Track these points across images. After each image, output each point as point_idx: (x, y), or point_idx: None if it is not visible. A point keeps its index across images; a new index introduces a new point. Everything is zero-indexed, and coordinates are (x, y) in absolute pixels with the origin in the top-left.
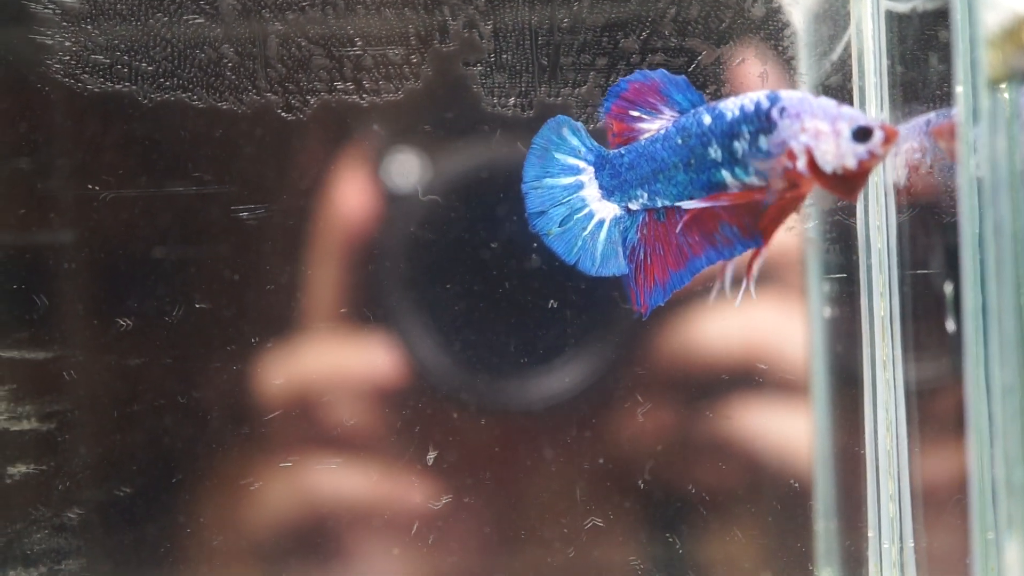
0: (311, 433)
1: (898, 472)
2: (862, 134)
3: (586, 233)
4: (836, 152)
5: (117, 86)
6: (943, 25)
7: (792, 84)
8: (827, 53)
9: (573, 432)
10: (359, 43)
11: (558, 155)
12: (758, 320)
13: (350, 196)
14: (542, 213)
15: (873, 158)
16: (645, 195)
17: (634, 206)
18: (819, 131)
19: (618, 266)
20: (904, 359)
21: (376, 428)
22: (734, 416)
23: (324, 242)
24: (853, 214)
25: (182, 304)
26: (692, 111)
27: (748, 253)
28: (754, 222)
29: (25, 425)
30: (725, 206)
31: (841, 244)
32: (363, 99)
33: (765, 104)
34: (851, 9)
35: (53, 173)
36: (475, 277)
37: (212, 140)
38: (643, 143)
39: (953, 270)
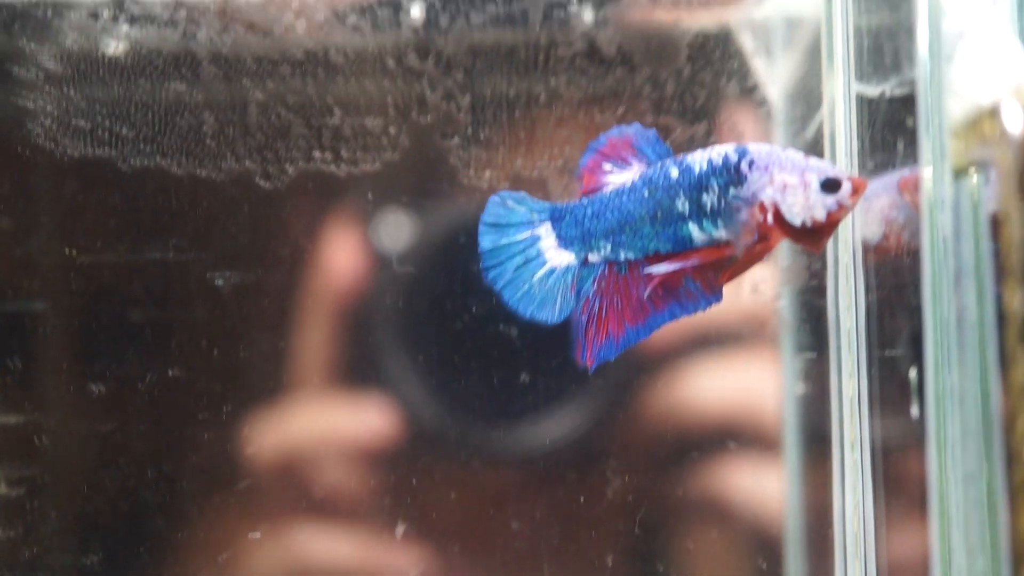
0: (296, 497)
1: (864, 555)
2: (830, 185)
3: (535, 278)
4: (805, 204)
5: (97, 151)
6: (910, 111)
7: None
8: (800, 132)
9: (551, 491)
10: (338, 113)
11: (508, 224)
12: (735, 385)
13: (338, 259)
14: (497, 266)
15: (841, 209)
16: (608, 246)
17: (594, 257)
18: (787, 184)
19: (552, 314)
20: (871, 441)
21: (364, 490)
22: (708, 481)
23: (312, 305)
24: (824, 295)
25: (156, 371)
26: (659, 163)
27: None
28: (716, 277)
29: None
30: (693, 259)
31: (812, 323)
32: (340, 169)
33: (734, 157)
34: (824, 90)
35: (31, 236)
36: (458, 340)
37: (190, 207)
38: (608, 194)
39: (919, 354)
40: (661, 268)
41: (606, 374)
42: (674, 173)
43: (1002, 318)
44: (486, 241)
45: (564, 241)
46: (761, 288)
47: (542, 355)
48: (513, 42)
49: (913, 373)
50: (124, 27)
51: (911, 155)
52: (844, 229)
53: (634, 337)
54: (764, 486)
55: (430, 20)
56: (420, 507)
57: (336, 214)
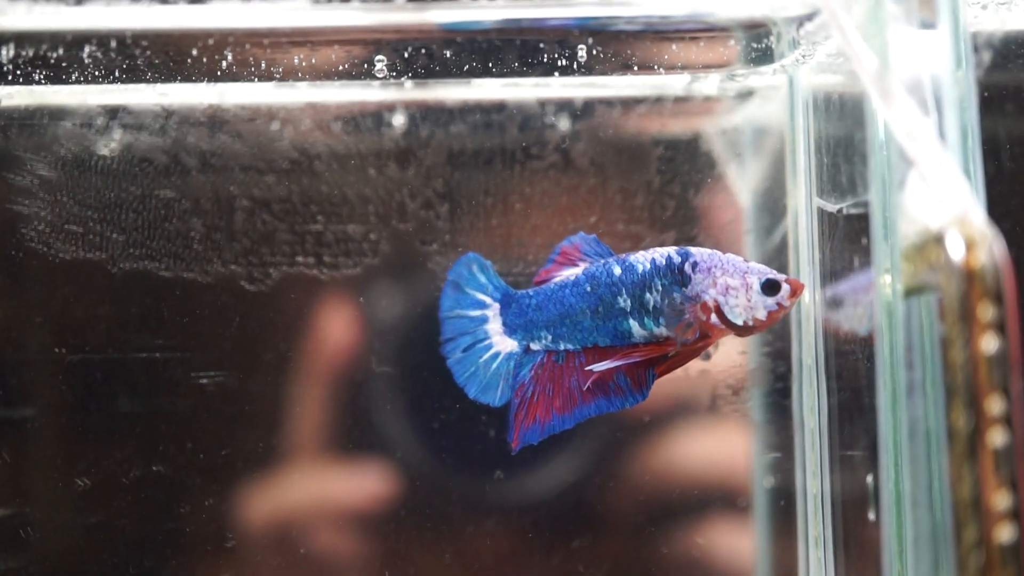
0: (291, 564)
1: None
2: (770, 287)
3: (481, 361)
4: (746, 305)
5: (88, 254)
6: (865, 231)
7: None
8: (767, 239)
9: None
10: (320, 220)
11: (468, 289)
12: (707, 450)
13: (333, 331)
14: (451, 339)
15: (780, 309)
16: (549, 337)
17: (536, 346)
18: (729, 286)
19: (495, 397)
20: (834, 538)
21: (360, 555)
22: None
23: (308, 375)
24: (788, 395)
25: (141, 464)
26: (603, 261)
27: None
28: (647, 375)
29: None
30: (628, 355)
31: (778, 424)
32: (323, 273)
33: (677, 259)
34: (788, 202)
35: (22, 336)
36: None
37: (177, 307)
38: (552, 287)
39: (875, 458)
40: (602, 366)
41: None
42: (616, 271)
43: (950, 434)
44: (446, 303)
45: (508, 328)
46: (728, 390)
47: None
48: (491, 153)
49: (870, 479)
50: (117, 134)
51: (866, 271)
52: (807, 334)
53: (559, 425)
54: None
55: (411, 131)
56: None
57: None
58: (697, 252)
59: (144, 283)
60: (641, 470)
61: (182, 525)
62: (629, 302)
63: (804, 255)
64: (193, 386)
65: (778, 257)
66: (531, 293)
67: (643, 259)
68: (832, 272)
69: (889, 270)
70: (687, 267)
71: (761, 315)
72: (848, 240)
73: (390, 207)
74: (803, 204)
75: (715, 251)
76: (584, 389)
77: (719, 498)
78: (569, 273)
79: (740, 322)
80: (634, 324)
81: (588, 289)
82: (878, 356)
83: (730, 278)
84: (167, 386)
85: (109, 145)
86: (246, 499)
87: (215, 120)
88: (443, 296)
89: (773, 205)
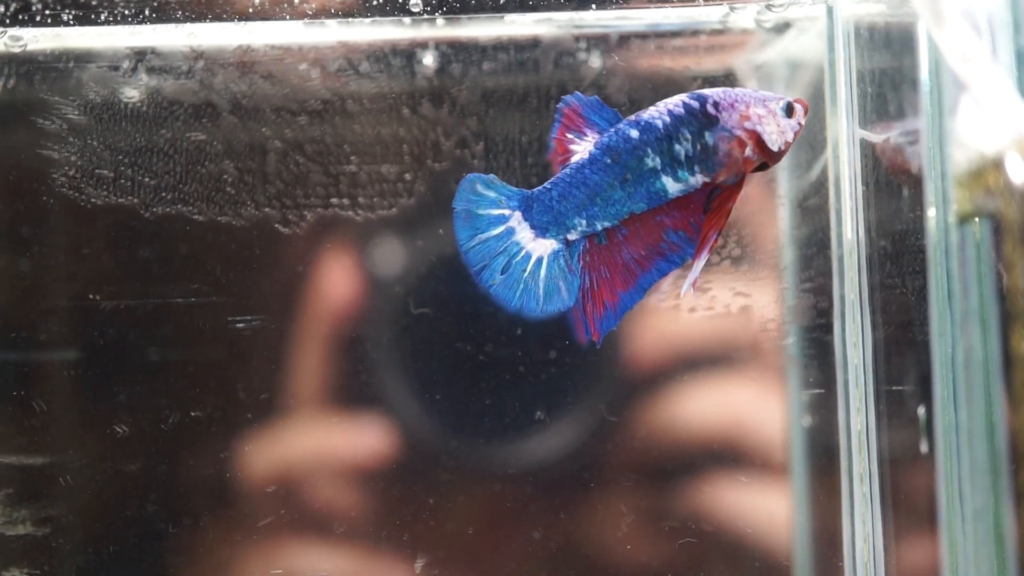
0: (297, 518)
1: None
2: (789, 109)
3: (526, 274)
4: (778, 130)
5: (120, 199)
6: (915, 159)
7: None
8: (804, 174)
9: (550, 507)
10: (354, 160)
11: (480, 211)
12: (738, 402)
13: (335, 283)
14: (484, 267)
15: (800, 128)
16: (584, 222)
17: (573, 236)
18: (760, 115)
19: (562, 301)
20: (880, 473)
21: (361, 510)
22: (712, 495)
23: (309, 328)
24: (830, 332)
25: (177, 409)
26: (612, 129)
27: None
28: (698, 220)
29: (20, 530)
30: (669, 212)
31: (819, 360)
32: (358, 215)
33: (695, 104)
34: (827, 134)
35: (55, 283)
36: (456, 356)
37: (211, 252)
38: (568, 172)
39: (926, 391)
40: (693, 275)
41: (606, 390)
42: (634, 134)
43: (1008, 360)
44: (463, 234)
45: (539, 230)
46: (769, 327)
47: (547, 365)
48: (525, 90)
49: (922, 411)
50: (144, 78)
51: (917, 201)
52: (850, 268)
53: (630, 302)
54: (771, 511)
55: (443, 69)
56: (420, 525)
57: (334, 244)
58: (711, 92)
59: (177, 227)
60: (668, 422)
61: (221, 469)
62: (658, 160)
63: (846, 189)
64: (229, 330)
65: (817, 192)
66: (549, 186)
67: (658, 114)
68: (877, 207)
69: (941, 197)
70: (709, 108)
71: (790, 137)
72: (896, 170)
73: (424, 147)
74: (844, 137)
75: (724, 88)
76: (638, 258)
77: (749, 449)
78: (580, 151)
79: (776, 148)
80: (667, 180)
81: (609, 161)
82: (931, 285)
83: (757, 108)
84: (203, 331)
85: (138, 88)
86: (281, 441)
87: (245, 61)
88: (456, 228)
89: (812, 139)
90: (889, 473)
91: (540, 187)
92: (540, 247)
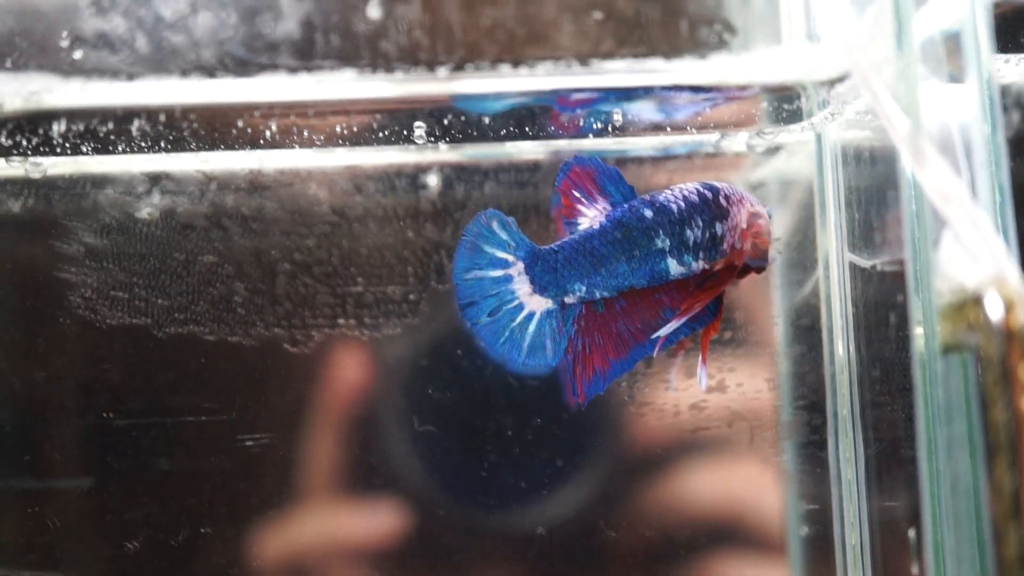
0: None
1: None
2: (768, 213)
3: (515, 324)
4: (768, 229)
5: (134, 320)
6: (900, 288)
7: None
8: (796, 293)
9: None
10: (360, 282)
11: (487, 248)
12: (739, 485)
13: (346, 370)
14: (472, 304)
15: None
16: (584, 288)
17: (570, 299)
18: (759, 212)
19: (545, 359)
20: None
21: None
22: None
23: (323, 414)
24: (824, 449)
25: (186, 528)
26: (627, 205)
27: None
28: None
29: None
30: (668, 291)
31: (814, 475)
32: (363, 335)
33: (708, 194)
34: (818, 254)
35: (71, 403)
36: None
37: (220, 371)
38: (577, 238)
39: (916, 512)
40: (667, 329)
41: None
42: (648, 214)
43: (993, 492)
44: (461, 263)
45: (538, 287)
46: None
47: (554, 443)
48: (525, 210)
49: (912, 533)
50: (158, 200)
51: (903, 330)
52: (842, 385)
53: (619, 370)
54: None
55: (445, 190)
56: None
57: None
58: (719, 186)
59: (188, 347)
60: (660, 508)
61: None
62: (668, 241)
63: (836, 308)
64: (238, 448)
65: (809, 311)
66: (557, 248)
67: (674, 198)
68: (866, 333)
69: (925, 327)
70: (721, 200)
71: (775, 237)
72: (882, 297)
73: (428, 269)
74: (834, 255)
75: (725, 182)
76: (633, 331)
77: (747, 535)
78: (590, 218)
79: (767, 249)
80: (672, 262)
81: (619, 236)
82: (917, 411)
83: (756, 206)
84: (213, 448)
85: (151, 212)
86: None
87: (255, 184)
88: (457, 256)
89: (804, 258)
90: None
91: (548, 247)
92: (535, 303)
